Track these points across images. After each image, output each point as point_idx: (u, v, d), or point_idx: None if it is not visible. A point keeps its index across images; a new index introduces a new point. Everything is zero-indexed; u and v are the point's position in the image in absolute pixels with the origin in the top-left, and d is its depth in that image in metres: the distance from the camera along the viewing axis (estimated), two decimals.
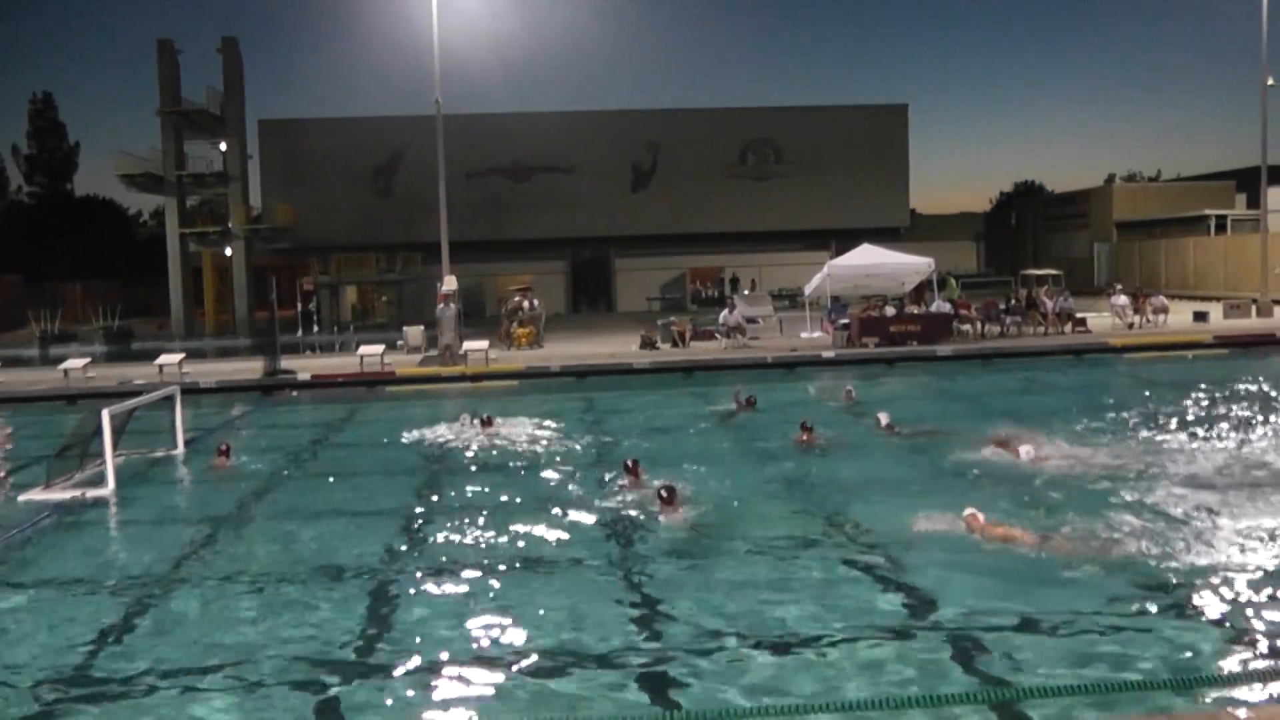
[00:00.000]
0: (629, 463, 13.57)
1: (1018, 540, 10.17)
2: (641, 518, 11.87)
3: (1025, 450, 13.81)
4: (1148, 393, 20.21)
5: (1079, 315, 31.52)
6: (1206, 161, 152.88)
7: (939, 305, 31.15)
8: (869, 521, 11.36)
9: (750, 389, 20.24)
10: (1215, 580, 9.00)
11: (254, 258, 50.74)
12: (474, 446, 17.02)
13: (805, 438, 16.01)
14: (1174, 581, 9.04)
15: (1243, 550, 9.78)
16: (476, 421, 18.22)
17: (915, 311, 30.63)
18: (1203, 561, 9.53)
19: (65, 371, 27.06)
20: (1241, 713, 6.15)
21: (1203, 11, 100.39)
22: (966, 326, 30.81)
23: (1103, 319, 32.61)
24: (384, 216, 50.56)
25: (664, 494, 11.79)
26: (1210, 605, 8.51)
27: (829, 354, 27.85)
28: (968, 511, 10.47)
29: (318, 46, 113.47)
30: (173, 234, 48.66)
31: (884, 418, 16.89)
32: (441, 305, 30.13)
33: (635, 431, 18.40)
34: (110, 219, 70.89)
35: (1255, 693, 6.80)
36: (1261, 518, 10.76)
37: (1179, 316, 33.34)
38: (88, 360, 28.31)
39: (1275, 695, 6.78)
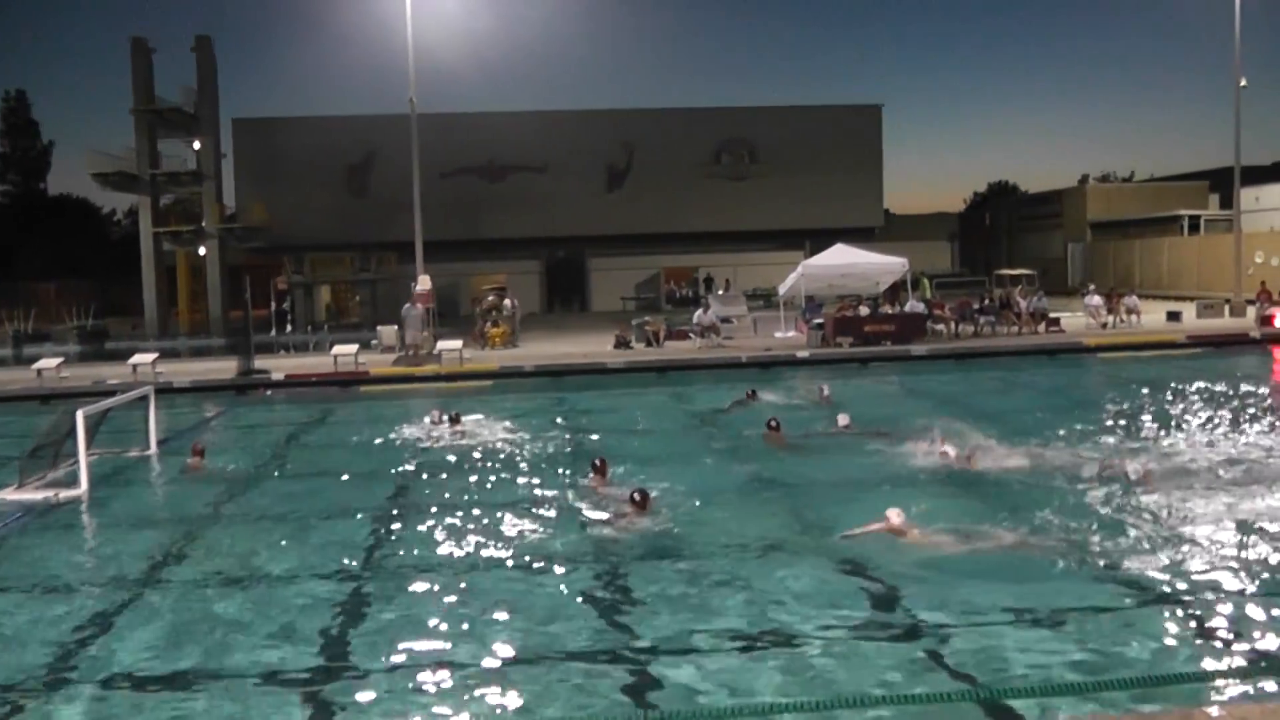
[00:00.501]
0: (597, 462, 13.65)
1: (933, 543, 10.29)
2: (607, 518, 11.92)
3: (950, 450, 14.01)
4: (1120, 392, 20.39)
5: (1053, 315, 31.75)
6: (1180, 162, 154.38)
7: (913, 305, 31.33)
8: (829, 521, 11.47)
9: (741, 388, 20.32)
10: (1183, 578, 9.13)
11: (228, 257, 50.35)
12: (442, 445, 17.10)
13: (771, 436, 16.10)
14: (1139, 579, 9.17)
15: (1213, 547, 9.92)
16: (445, 419, 18.28)
17: (889, 311, 30.82)
18: (1167, 558, 9.67)
19: (39, 371, 26.88)
20: (1214, 711, 6.25)
21: (1176, 13, 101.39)
22: (941, 326, 31.03)
23: (1076, 319, 32.84)
24: (358, 216, 50.31)
25: (636, 497, 11.80)
26: (1178, 603, 8.64)
27: (804, 354, 27.96)
28: (890, 513, 10.58)
29: (292, 45, 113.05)
30: (146, 233, 48.29)
31: (843, 419, 16.98)
32: (408, 305, 30.16)
33: (607, 431, 18.44)
34: (84, 218, 70.27)
35: (1225, 691, 6.91)
36: (1232, 515, 10.92)
37: (1152, 316, 33.64)
38: (61, 360, 28.13)
39: (1245, 693, 6.90)
